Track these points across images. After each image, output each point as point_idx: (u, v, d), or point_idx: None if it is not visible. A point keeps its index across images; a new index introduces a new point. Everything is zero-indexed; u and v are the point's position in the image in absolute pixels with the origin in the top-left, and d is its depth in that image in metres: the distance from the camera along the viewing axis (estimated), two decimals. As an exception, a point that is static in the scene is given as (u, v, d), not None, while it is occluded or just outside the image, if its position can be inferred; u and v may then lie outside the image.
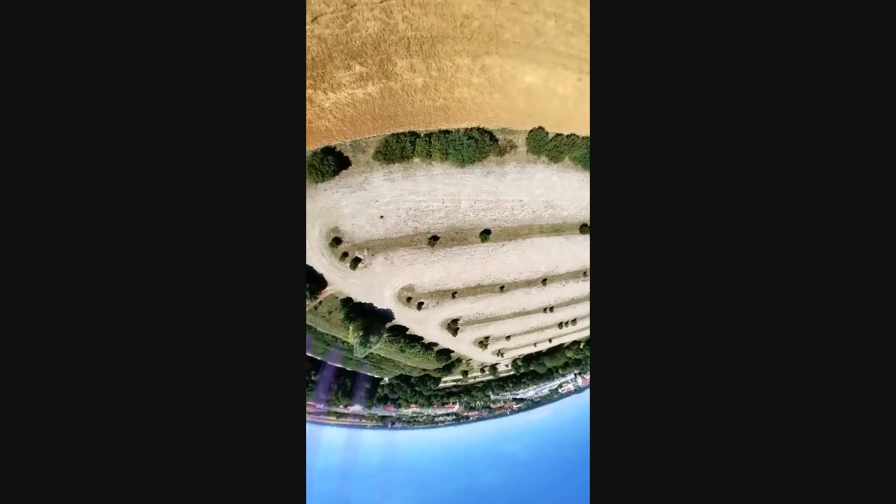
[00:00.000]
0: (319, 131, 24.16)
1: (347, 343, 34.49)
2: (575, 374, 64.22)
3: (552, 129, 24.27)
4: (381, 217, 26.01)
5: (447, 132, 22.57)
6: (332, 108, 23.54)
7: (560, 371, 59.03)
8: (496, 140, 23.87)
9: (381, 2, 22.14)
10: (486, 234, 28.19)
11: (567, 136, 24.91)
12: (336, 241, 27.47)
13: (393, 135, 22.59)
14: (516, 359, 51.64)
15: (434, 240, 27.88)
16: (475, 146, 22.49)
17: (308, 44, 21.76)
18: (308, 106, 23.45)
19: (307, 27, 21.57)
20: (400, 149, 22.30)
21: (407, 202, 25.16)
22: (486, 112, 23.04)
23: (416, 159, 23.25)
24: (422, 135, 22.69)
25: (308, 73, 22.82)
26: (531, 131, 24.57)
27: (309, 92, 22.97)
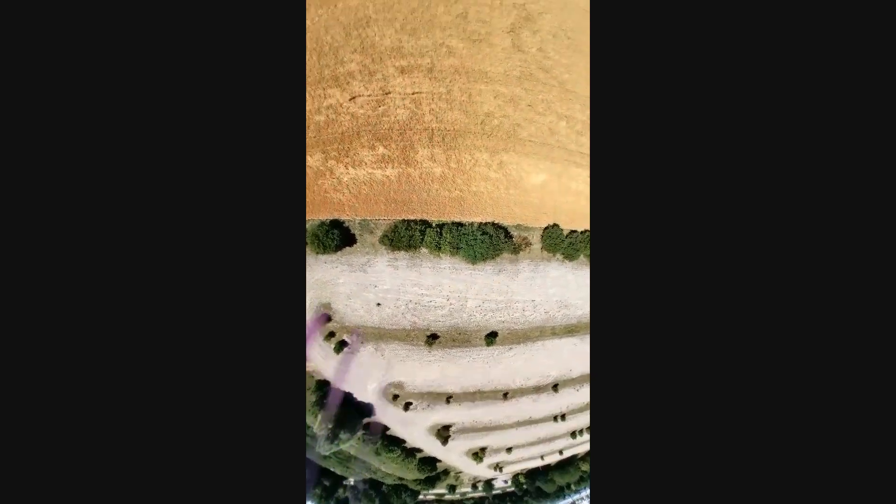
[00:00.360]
0: (332, 203, 23.44)
1: (311, 430, 28.85)
2: (590, 492, 52.13)
3: (566, 226, 23.23)
4: (378, 304, 23.20)
5: (460, 225, 20.82)
6: (349, 182, 23.08)
7: (573, 487, 48.45)
8: (510, 237, 21.91)
9: (412, 93, 23.06)
10: (492, 338, 24.53)
11: (582, 232, 23.37)
12: (325, 318, 24.50)
13: (403, 221, 21.05)
14: (518, 474, 42.78)
15: (433, 338, 24.39)
16: (489, 242, 20.42)
17: (341, 119, 22.72)
18: (328, 176, 23.32)
19: (344, 104, 22.77)
20: (408, 236, 20.44)
21: (408, 294, 22.51)
22: (502, 207, 21.63)
23: (424, 250, 21.26)
24: (433, 225, 20.99)
25: (334, 146, 23.27)
26: (546, 228, 23.02)
27: (331, 163, 23.19)
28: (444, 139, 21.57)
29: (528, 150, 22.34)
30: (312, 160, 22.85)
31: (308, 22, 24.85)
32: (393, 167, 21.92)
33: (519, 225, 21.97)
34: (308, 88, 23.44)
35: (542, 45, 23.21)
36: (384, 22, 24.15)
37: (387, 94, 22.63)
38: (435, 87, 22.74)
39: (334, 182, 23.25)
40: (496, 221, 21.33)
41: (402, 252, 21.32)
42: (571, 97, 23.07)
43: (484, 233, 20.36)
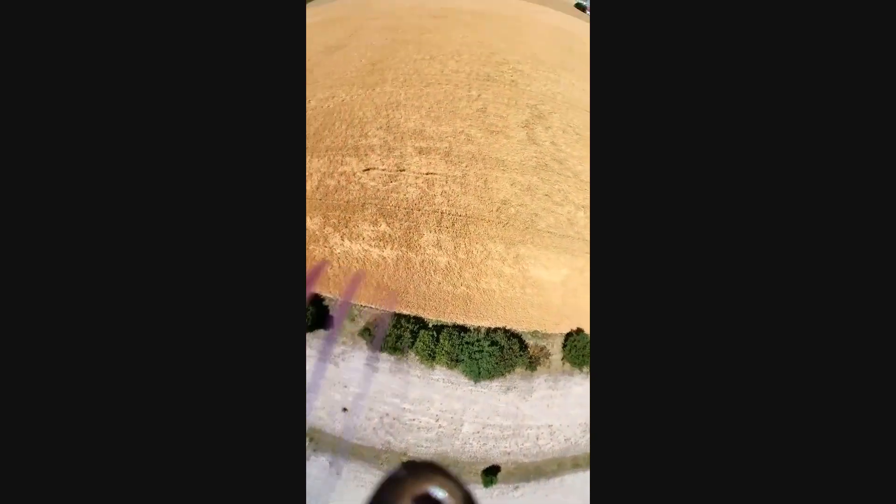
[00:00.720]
0: (325, 275, 20.31)
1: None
2: None
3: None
4: (345, 410, 17.56)
5: (464, 330, 16.34)
6: (341, 255, 20.03)
7: None
8: (526, 348, 17.10)
9: (426, 173, 21.73)
10: (491, 475, 17.77)
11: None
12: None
13: (394, 315, 16.87)
14: None
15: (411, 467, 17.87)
16: (499, 356, 15.56)
17: (351, 187, 21.37)
18: (322, 243, 20.74)
19: (358, 174, 21.92)
20: (396, 336, 15.91)
21: (386, 405, 17.01)
22: (516, 310, 17.39)
23: (414, 355, 16.49)
24: (430, 326, 16.65)
25: (336, 213, 21.19)
26: (569, 335, 18.31)
27: (328, 230, 20.84)
28: (453, 224, 18.76)
29: (546, 241, 19.55)
30: (311, 222, 21.09)
31: (346, 96, 27.56)
32: (392, 248, 18.77)
33: (536, 332, 17.38)
34: (328, 153, 23.58)
35: (554, 139, 23.65)
36: (412, 108, 25.65)
37: (401, 171, 22.12)
38: (450, 170, 21.36)
39: (326, 252, 20.62)
40: (509, 328, 16.84)
41: (386, 353, 16.54)
42: (587, 187, 21.95)
43: (493, 343, 15.65)
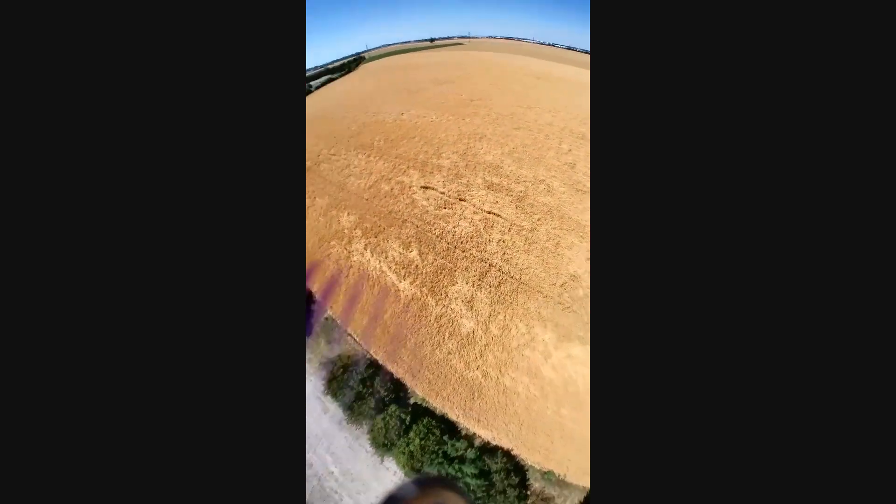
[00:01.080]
0: (323, 269, 17.59)
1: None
2: None
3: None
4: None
5: (450, 431, 11.27)
6: (354, 265, 17.07)
7: None
8: (526, 495, 11.17)
9: (488, 212, 18.23)
10: None
11: None
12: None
13: (371, 364, 12.57)
14: None
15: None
16: (481, 495, 10.01)
17: (402, 197, 19.63)
18: (343, 243, 18.45)
19: (414, 188, 20.31)
20: (357, 395, 11.47)
21: (315, 457, 11.75)
22: (538, 433, 11.78)
23: (368, 425, 11.67)
24: (409, 403, 11.96)
25: (374, 219, 18.66)
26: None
27: (357, 231, 18.30)
28: (499, 285, 14.38)
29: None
30: (346, 218, 19.37)
31: (436, 118, 27.72)
32: (411, 283, 14.98)
33: (550, 473, 11.45)
34: (396, 160, 22.90)
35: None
36: (495, 143, 23.93)
37: (461, 200, 19.12)
38: (519, 217, 17.51)
39: (343, 252, 18.00)
40: (515, 453, 11.30)
41: (340, 404, 12.05)
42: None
43: (482, 473, 10.22)
